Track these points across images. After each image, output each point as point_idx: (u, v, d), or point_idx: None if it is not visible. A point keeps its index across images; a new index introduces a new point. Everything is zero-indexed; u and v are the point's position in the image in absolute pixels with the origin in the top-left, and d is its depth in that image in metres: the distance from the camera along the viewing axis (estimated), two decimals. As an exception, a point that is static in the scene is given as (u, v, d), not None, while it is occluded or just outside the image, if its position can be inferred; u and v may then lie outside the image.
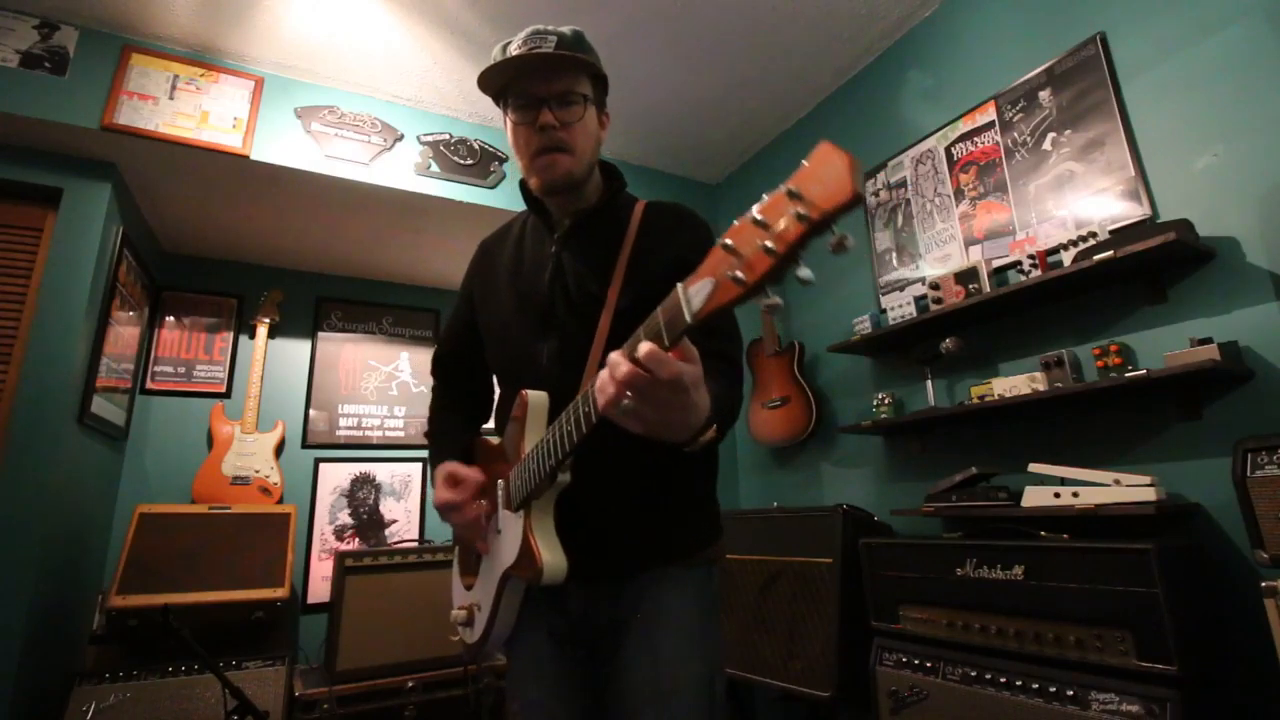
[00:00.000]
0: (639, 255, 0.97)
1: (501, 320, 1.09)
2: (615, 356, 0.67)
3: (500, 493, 0.99)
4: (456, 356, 1.25)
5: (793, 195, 0.51)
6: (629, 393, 0.65)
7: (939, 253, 2.19)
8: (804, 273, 0.53)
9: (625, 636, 0.94)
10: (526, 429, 0.93)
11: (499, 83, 0.99)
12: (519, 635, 1.03)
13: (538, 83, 0.95)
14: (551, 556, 0.87)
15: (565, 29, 0.97)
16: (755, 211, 0.54)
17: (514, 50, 0.96)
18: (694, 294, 0.60)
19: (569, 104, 0.96)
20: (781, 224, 0.52)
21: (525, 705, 1.00)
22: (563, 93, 0.95)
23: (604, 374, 0.68)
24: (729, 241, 0.56)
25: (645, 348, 0.63)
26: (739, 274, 0.55)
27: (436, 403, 1.26)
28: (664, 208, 1.06)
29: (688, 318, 0.60)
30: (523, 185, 1.07)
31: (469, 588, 1.10)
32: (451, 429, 1.20)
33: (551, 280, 1.02)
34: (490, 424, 1.20)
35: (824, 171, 0.50)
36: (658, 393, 0.65)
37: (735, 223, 0.56)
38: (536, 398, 0.94)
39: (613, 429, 0.71)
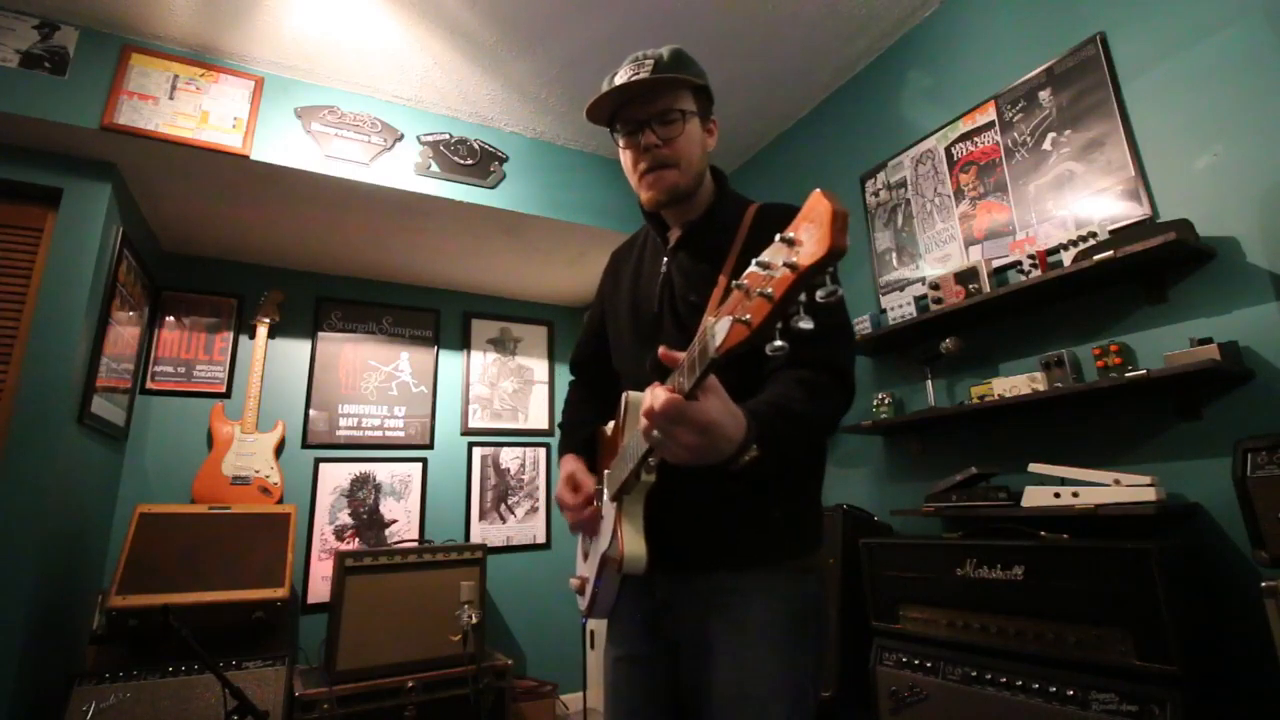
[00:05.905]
0: (744, 261, 0.99)
1: (619, 329, 1.17)
2: (648, 392, 0.70)
3: (605, 482, 1.06)
4: (590, 359, 1.31)
5: (788, 241, 0.52)
6: (654, 430, 0.69)
7: (939, 253, 2.19)
8: (804, 324, 0.52)
9: (713, 639, 0.95)
10: (625, 428, 0.97)
11: (606, 112, 1.05)
12: (619, 611, 1.10)
13: (639, 107, 1.01)
14: (632, 548, 0.93)
15: (664, 50, 1.02)
16: (762, 254, 0.55)
17: (618, 80, 1.01)
18: (718, 331, 0.60)
19: (669, 122, 1.01)
20: (778, 271, 0.53)
21: (609, 677, 1.09)
22: (662, 111, 1.01)
23: (645, 403, 0.70)
24: (744, 281, 0.56)
25: (660, 398, 0.67)
26: (747, 316, 0.55)
27: (570, 396, 1.33)
28: (773, 209, 1.04)
29: (711, 353, 0.60)
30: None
31: (585, 559, 1.17)
32: (580, 421, 1.25)
33: (660, 291, 1.07)
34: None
35: (810, 221, 0.51)
36: (674, 434, 0.68)
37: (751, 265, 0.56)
38: (634, 399, 0.98)
39: None
